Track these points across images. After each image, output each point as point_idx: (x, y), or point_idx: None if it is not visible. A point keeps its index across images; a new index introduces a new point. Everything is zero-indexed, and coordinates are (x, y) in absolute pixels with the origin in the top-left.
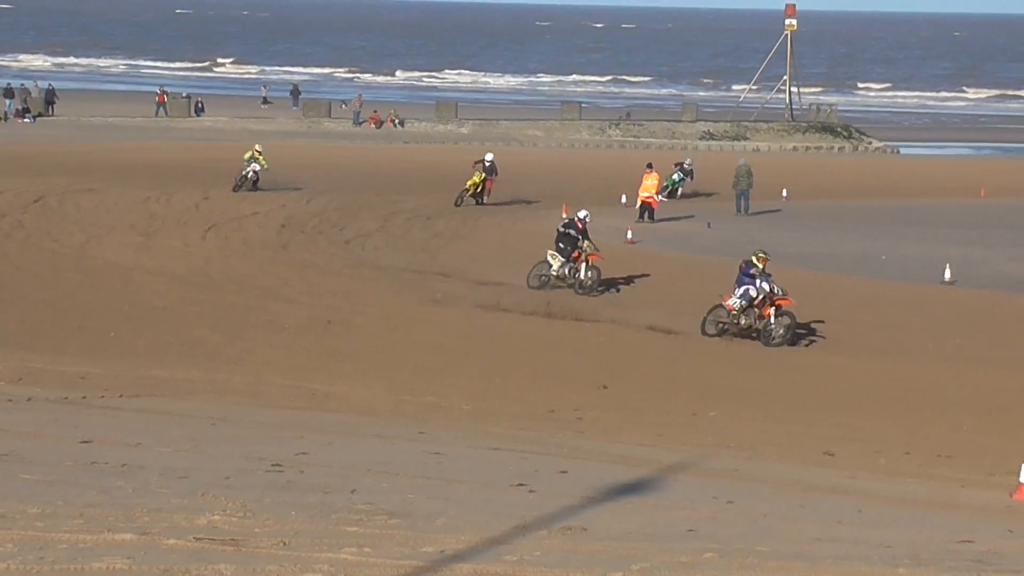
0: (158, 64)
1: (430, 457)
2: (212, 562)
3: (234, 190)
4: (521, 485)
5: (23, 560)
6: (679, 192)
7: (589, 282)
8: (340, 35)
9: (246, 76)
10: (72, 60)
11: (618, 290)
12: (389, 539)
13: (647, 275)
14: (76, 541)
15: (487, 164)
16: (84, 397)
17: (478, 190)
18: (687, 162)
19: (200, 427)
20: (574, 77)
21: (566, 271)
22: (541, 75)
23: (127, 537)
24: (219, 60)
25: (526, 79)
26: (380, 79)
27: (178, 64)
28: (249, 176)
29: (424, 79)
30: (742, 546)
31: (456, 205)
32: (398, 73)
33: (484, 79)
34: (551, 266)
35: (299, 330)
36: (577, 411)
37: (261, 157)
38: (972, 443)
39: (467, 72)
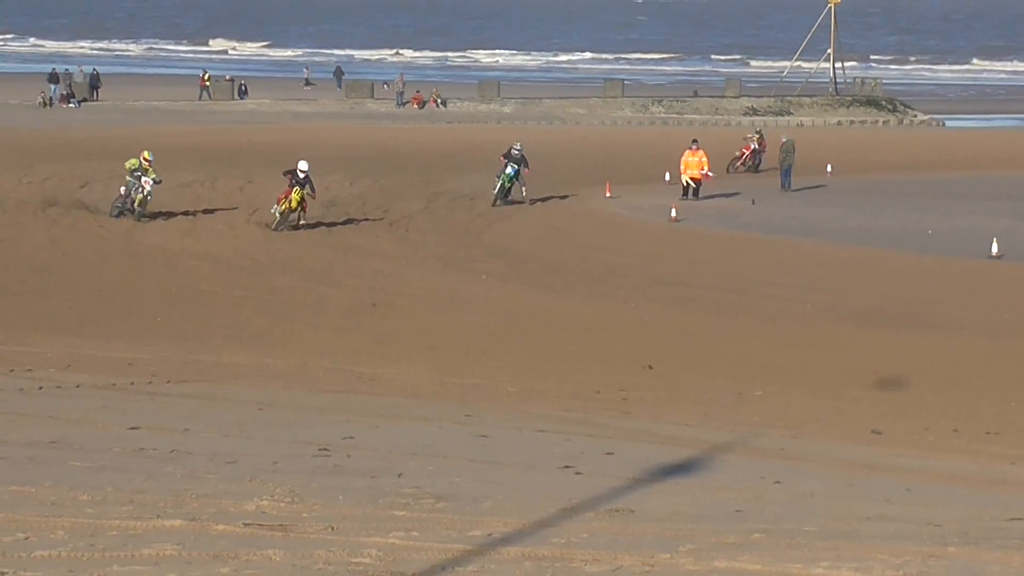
0: (195, 48)
1: (476, 440)
2: (261, 547)
3: (114, 216)
4: (567, 467)
5: (74, 547)
6: (523, 188)
7: None
8: (367, 14)
9: (278, 58)
10: (102, 44)
11: None
12: (436, 523)
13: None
14: (126, 527)
15: (301, 175)
16: (132, 383)
17: (295, 209)
18: (516, 146)
19: (247, 412)
20: (614, 55)
21: None
22: (578, 53)
23: (176, 523)
24: (237, 43)
25: (564, 57)
26: (414, 59)
27: (202, 48)
28: (142, 196)
29: (452, 58)
30: (790, 526)
31: (274, 229)
32: (428, 53)
33: (519, 58)
34: None
35: (344, 313)
36: (623, 391)
37: (151, 169)
38: (1021, 419)
39: (503, 51)
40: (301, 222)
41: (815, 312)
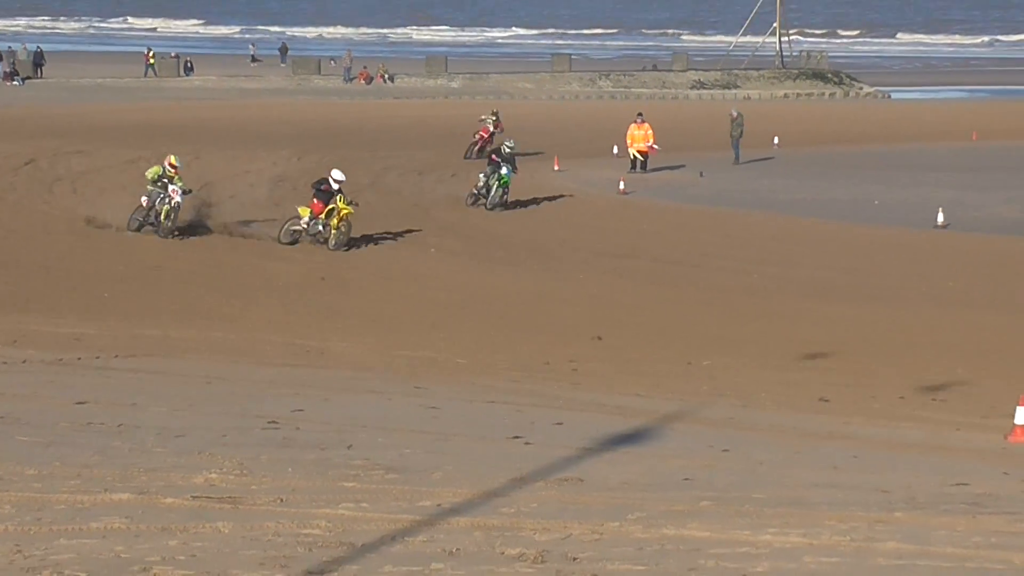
0: (111, 26)
1: (426, 411)
2: (210, 520)
3: (133, 229)
4: (517, 437)
5: (21, 521)
6: (505, 196)
7: None
8: None
9: (215, 35)
10: (35, 21)
11: None
12: (386, 494)
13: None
14: (74, 502)
15: (336, 186)
16: (79, 358)
17: (341, 225)
18: (508, 143)
19: (196, 386)
20: (559, 30)
21: None
22: (520, 28)
23: (125, 497)
24: (163, 20)
25: (507, 32)
26: (350, 35)
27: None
28: (168, 207)
29: (391, 35)
30: (739, 494)
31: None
32: (367, 29)
33: (465, 34)
34: None
35: (293, 287)
36: (572, 362)
37: (177, 176)
38: (966, 386)
39: (446, 28)
40: (341, 239)
41: (764, 283)
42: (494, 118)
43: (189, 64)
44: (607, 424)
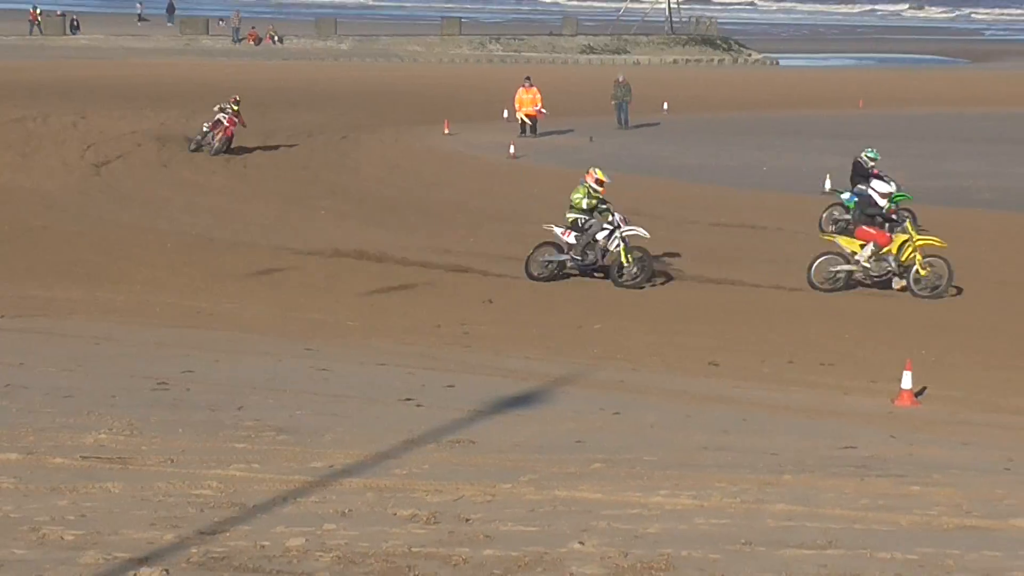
0: None
1: (317, 373)
2: (99, 480)
3: (549, 277)
4: (409, 400)
5: None
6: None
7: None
8: None
9: None
10: None
11: None
12: (277, 455)
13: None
14: None
15: (883, 202)
16: None
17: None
18: (868, 153)
19: (84, 347)
20: None
21: None
22: None
23: (12, 457)
24: None
25: None
26: None
27: None
28: (628, 248)
29: None
30: (630, 456)
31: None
32: None
33: None
34: None
35: (182, 248)
36: (463, 325)
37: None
38: (854, 351)
39: None
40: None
41: (653, 247)
42: (235, 107)
43: (75, 22)
44: (498, 387)
